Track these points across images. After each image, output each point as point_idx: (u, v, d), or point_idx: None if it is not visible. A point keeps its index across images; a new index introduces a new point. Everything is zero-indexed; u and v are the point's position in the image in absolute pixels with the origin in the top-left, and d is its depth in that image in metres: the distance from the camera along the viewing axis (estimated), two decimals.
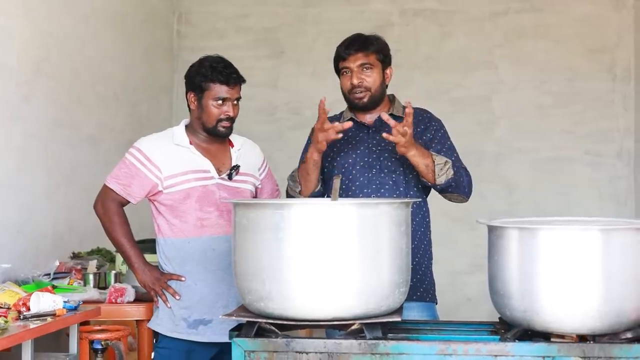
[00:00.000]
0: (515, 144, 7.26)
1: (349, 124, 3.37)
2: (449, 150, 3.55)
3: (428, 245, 3.60)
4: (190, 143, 3.49)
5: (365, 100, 3.54)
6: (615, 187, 7.20)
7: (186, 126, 3.55)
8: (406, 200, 2.80)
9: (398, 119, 3.57)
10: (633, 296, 2.51)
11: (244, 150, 3.61)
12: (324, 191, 3.59)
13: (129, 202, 3.48)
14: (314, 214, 2.57)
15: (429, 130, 3.58)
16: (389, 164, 3.51)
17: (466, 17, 7.37)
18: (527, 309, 2.55)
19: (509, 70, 7.31)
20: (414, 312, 3.45)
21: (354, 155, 3.56)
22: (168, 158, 3.44)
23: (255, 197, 3.64)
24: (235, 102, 3.48)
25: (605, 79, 7.22)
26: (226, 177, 3.50)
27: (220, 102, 3.44)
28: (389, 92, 3.68)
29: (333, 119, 3.65)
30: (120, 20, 6.19)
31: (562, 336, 2.56)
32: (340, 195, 3.50)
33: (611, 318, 2.50)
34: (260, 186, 3.68)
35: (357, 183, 3.53)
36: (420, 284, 3.52)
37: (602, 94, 7.22)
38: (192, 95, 3.49)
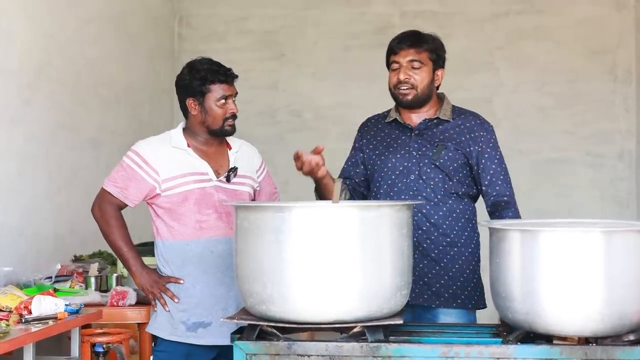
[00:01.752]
0: (516, 146, 7.25)
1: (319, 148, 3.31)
2: (498, 167, 3.45)
3: (475, 250, 3.50)
4: (188, 146, 3.49)
5: (409, 97, 3.46)
6: (616, 188, 7.20)
7: (183, 129, 3.55)
8: (407, 202, 2.79)
9: (443, 122, 3.48)
10: (635, 298, 2.50)
11: (241, 152, 3.60)
12: (366, 194, 3.55)
13: (126, 205, 3.48)
14: (315, 217, 2.57)
15: (477, 141, 3.46)
16: (428, 170, 3.43)
17: (466, 18, 7.37)
18: (529, 311, 2.54)
19: (510, 72, 7.31)
20: (452, 319, 3.40)
21: (393, 160, 3.48)
22: (166, 161, 3.44)
23: (253, 199, 3.63)
24: (234, 98, 3.50)
25: (606, 80, 7.22)
26: (224, 180, 3.49)
27: (223, 101, 3.44)
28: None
29: (378, 118, 3.63)
30: (122, 23, 6.19)
31: (564, 338, 2.56)
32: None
33: (613, 320, 2.49)
34: (258, 188, 3.67)
35: (395, 189, 3.46)
36: (462, 290, 3.44)
37: (603, 95, 7.22)
38: (191, 101, 3.48)
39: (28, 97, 4.69)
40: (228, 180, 3.49)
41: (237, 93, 3.51)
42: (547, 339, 2.58)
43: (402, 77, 3.44)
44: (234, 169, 3.51)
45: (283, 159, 6.53)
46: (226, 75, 3.45)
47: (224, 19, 7.53)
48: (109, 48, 5.92)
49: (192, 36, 7.49)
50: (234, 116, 3.48)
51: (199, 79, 3.44)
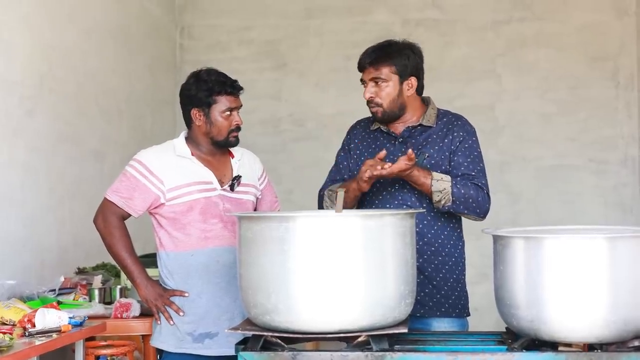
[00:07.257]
0: (519, 153, 7.25)
1: (382, 154, 3.30)
2: (473, 163, 3.41)
3: (459, 258, 3.51)
4: (192, 154, 3.48)
5: (379, 115, 3.47)
6: (620, 194, 7.18)
7: (185, 138, 3.55)
8: (410, 211, 2.79)
9: (426, 128, 3.47)
10: None
11: (244, 160, 3.61)
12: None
13: (130, 215, 3.47)
14: (318, 226, 2.57)
15: (454, 141, 3.44)
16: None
17: (468, 26, 7.37)
18: (534, 318, 2.54)
19: (512, 79, 7.31)
20: (444, 327, 3.41)
21: None
22: (170, 170, 3.43)
23: (256, 208, 3.64)
24: (239, 110, 3.50)
25: (608, 87, 7.21)
26: (228, 189, 3.49)
27: (228, 113, 3.45)
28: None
29: (367, 122, 3.62)
30: (123, 33, 6.19)
31: (569, 345, 2.55)
32: None
33: (618, 326, 2.49)
34: (260, 196, 3.67)
35: (380, 197, 3.46)
36: (446, 299, 3.44)
37: (606, 101, 7.22)
38: (196, 111, 3.47)
39: (30, 109, 4.69)
40: (232, 189, 3.49)
41: (241, 105, 3.52)
42: (552, 345, 2.58)
43: (366, 95, 3.45)
44: (238, 178, 3.51)
45: (286, 168, 6.58)
46: (233, 88, 3.46)
47: (225, 29, 7.53)
48: (110, 59, 5.92)
49: (193, 47, 7.50)
50: (238, 128, 3.49)
51: (206, 90, 3.44)
